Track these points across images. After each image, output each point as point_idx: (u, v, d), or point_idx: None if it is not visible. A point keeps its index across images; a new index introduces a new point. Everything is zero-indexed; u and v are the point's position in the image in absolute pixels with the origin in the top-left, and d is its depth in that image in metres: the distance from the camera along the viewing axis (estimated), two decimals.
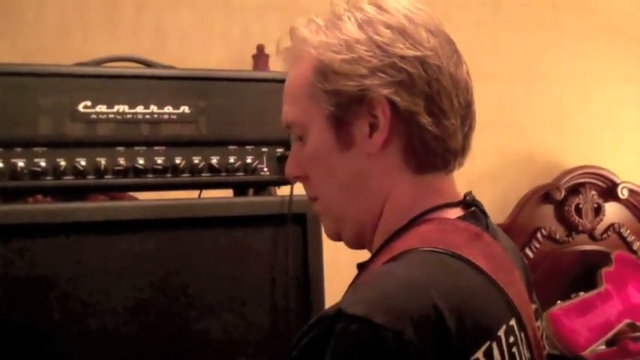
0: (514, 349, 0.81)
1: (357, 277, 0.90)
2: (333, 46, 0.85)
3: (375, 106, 0.84)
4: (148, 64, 1.40)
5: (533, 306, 0.94)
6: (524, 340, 0.84)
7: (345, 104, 0.85)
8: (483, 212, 0.92)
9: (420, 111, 0.84)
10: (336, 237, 0.95)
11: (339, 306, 0.75)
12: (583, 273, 2.77)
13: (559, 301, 2.51)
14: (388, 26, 0.85)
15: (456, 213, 0.89)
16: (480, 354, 0.76)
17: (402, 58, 0.84)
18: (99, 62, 1.34)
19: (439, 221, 0.87)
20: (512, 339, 0.81)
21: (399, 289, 0.76)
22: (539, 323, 0.94)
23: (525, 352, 0.84)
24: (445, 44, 0.88)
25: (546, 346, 0.95)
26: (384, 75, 0.83)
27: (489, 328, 0.79)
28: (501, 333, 0.80)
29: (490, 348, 0.78)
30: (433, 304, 0.74)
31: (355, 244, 0.93)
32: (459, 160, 0.90)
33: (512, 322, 0.83)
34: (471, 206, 0.90)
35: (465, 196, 0.91)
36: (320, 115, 0.87)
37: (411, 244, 0.82)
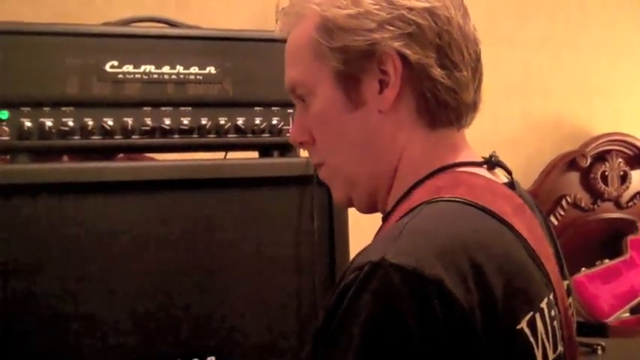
0: (555, 323, 0.78)
1: (380, 228, 0.87)
2: (337, 1, 0.82)
3: (386, 61, 0.81)
4: (174, 25, 1.40)
5: (565, 282, 0.90)
6: (559, 317, 0.81)
7: (353, 60, 0.82)
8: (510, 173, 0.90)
9: (432, 63, 0.81)
10: (346, 203, 0.91)
11: (381, 254, 0.70)
12: (608, 241, 2.75)
13: (584, 268, 2.49)
14: None
15: (484, 173, 0.86)
16: (524, 324, 0.73)
17: (411, 9, 0.81)
18: (126, 22, 1.34)
19: (470, 175, 0.84)
20: (553, 312, 0.79)
21: (444, 241, 0.72)
22: (570, 300, 0.90)
23: (559, 329, 0.80)
24: None
25: (575, 325, 0.91)
26: (393, 28, 0.80)
27: (533, 297, 0.76)
28: (544, 305, 0.77)
29: (533, 319, 0.74)
30: (477, 263, 0.71)
31: (368, 207, 0.90)
32: (471, 115, 0.87)
33: (552, 297, 0.80)
34: (494, 167, 0.88)
35: (491, 156, 0.88)
36: (327, 74, 0.84)
37: (432, 193, 0.79)
